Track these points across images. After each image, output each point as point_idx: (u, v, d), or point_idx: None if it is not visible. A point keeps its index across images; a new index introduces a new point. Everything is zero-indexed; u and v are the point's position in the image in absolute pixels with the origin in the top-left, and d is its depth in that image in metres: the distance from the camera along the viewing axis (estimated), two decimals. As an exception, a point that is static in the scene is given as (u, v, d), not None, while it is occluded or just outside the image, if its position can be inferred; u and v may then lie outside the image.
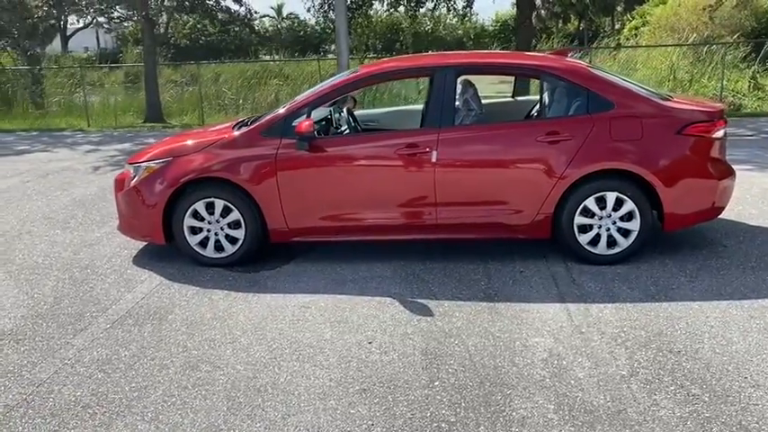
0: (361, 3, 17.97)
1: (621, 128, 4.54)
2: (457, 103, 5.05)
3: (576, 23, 36.82)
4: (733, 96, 14.34)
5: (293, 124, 4.69)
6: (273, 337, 3.73)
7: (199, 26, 30.98)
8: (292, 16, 43.40)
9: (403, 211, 4.77)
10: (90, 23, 34.44)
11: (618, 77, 5.07)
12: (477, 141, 4.74)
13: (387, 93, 16.32)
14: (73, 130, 15.06)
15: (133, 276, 4.79)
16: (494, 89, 12.43)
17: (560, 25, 35.19)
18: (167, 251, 5.12)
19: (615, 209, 4.59)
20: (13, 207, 7.04)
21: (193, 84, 17.74)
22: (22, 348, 3.68)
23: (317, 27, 36.97)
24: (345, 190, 4.76)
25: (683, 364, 3.30)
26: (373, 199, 4.78)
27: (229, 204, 4.78)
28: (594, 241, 4.66)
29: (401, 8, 18.98)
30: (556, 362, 3.36)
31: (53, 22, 24.75)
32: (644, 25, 23.37)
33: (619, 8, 33.72)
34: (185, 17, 25.12)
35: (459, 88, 5.13)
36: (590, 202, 4.59)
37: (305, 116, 4.73)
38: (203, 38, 34.01)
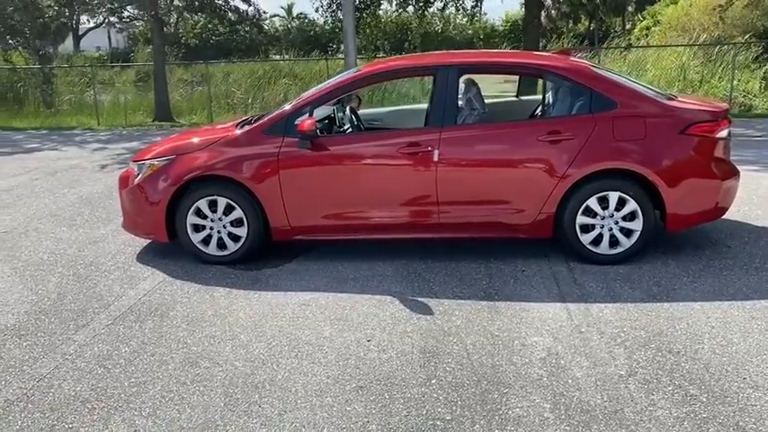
0: (369, 2, 18.00)
1: (624, 127, 4.53)
2: (460, 102, 5.05)
3: (587, 24, 36.70)
4: (743, 97, 14.23)
5: (295, 123, 4.70)
6: (273, 335, 3.75)
7: (210, 26, 31.11)
8: (302, 16, 43.53)
9: (405, 210, 4.77)
10: (102, 23, 34.71)
11: (622, 77, 5.05)
12: (479, 140, 4.74)
13: (395, 92, 16.34)
14: (82, 129, 15.17)
15: (136, 273, 4.83)
16: (498, 89, 12.39)
17: (570, 25, 35.10)
18: (171, 249, 5.16)
19: (618, 208, 4.57)
20: (21, 204, 7.10)
21: (204, 83, 17.82)
22: (25, 343, 3.72)
23: (326, 27, 37.02)
24: (347, 188, 4.77)
25: (683, 364, 3.28)
26: (375, 198, 4.79)
27: (232, 202, 4.81)
28: (597, 241, 4.64)
29: (410, 8, 18.98)
30: (554, 361, 3.36)
31: (65, 21, 24.95)
32: (655, 25, 23.25)
33: (630, 8, 33.60)
34: (195, 17, 25.27)
35: (462, 87, 5.13)
36: (592, 202, 4.58)
37: (307, 115, 4.74)
38: (214, 38, 34.13)
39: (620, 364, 3.30)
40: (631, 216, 4.57)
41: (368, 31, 22.30)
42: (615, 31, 30.41)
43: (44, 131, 14.79)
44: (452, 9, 20.01)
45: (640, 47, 19.24)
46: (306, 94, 5.04)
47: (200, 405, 3.05)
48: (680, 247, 4.97)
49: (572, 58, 5.26)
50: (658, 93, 4.94)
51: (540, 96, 5.51)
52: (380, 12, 20.49)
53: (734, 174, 4.75)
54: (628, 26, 32.79)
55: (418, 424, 2.86)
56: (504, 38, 36.50)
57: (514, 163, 4.66)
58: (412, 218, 4.78)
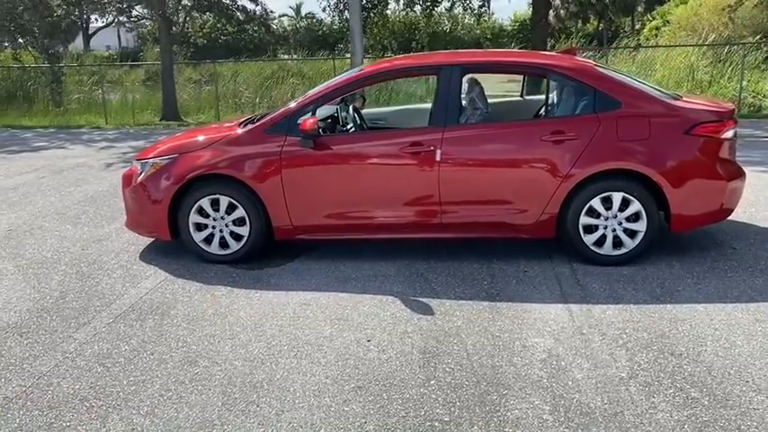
0: (376, 2, 17.97)
1: (628, 127, 4.49)
2: (463, 101, 5.03)
3: (596, 24, 36.55)
4: (753, 97, 14.12)
5: (298, 122, 4.70)
6: (273, 334, 3.74)
7: (218, 25, 31.20)
8: (310, 15, 43.60)
9: (407, 209, 4.75)
10: (111, 22, 34.84)
11: (627, 77, 5.01)
12: (482, 140, 4.71)
13: (402, 92, 16.32)
14: (90, 128, 15.25)
15: (139, 272, 4.83)
16: (502, 88, 12.35)
17: (579, 25, 34.96)
18: (174, 247, 5.16)
19: (621, 209, 4.54)
20: (27, 202, 7.14)
21: (211, 82, 17.87)
22: (26, 341, 3.73)
23: (334, 26, 37.06)
24: (350, 188, 4.76)
25: (684, 366, 3.25)
26: (378, 197, 4.77)
27: (234, 201, 4.80)
28: (600, 242, 4.60)
29: (417, 8, 18.95)
30: (554, 362, 3.33)
31: (74, 20, 25.06)
32: (664, 25, 23.13)
33: (639, 8, 33.43)
34: (204, 16, 25.34)
35: (465, 87, 5.11)
36: (596, 203, 4.54)
37: (310, 114, 4.73)
38: (222, 37, 34.25)
39: (622, 366, 3.27)
40: (635, 217, 4.54)
41: (375, 30, 22.28)
42: (624, 32, 30.29)
43: (52, 130, 14.87)
44: (460, 9, 19.93)
45: (649, 47, 19.13)
46: (308, 94, 5.03)
47: (199, 404, 3.04)
48: (684, 248, 4.93)
49: (576, 58, 5.22)
50: (663, 93, 4.90)
51: (543, 96, 5.47)
52: (388, 11, 20.45)
53: (739, 175, 4.70)
54: (637, 26, 32.63)
55: (416, 425, 2.84)
56: (512, 38, 36.44)
57: (517, 163, 4.63)
58: (414, 218, 4.76)
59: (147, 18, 22.00)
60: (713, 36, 16.73)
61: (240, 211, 4.82)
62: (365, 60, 12.52)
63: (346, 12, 17.59)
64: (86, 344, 3.67)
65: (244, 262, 4.89)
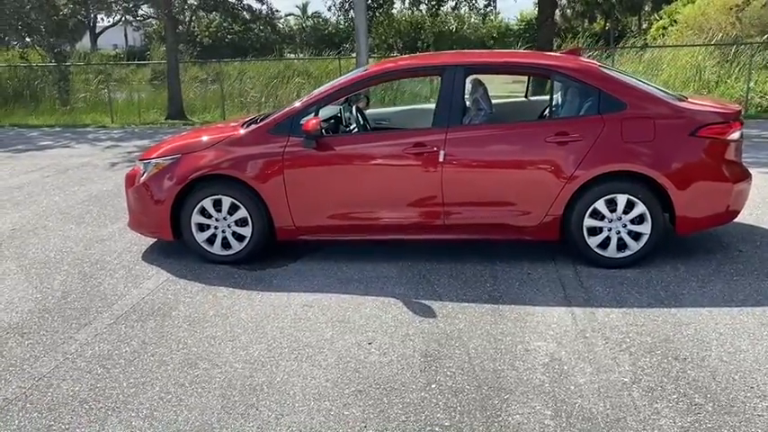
0: (382, 1, 17.94)
1: (633, 129, 4.45)
2: (466, 102, 5.00)
3: (603, 23, 36.42)
4: (760, 98, 14.02)
5: (300, 123, 4.68)
6: (274, 336, 3.72)
7: (224, 25, 31.23)
8: (317, 15, 43.59)
9: (410, 210, 4.73)
10: (118, 21, 34.90)
11: (632, 78, 4.97)
12: (485, 141, 4.68)
13: (407, 92, 16.28)
14: (96, 127, 15.28)
15: (141, 272, 4.83)
16: (507, 89, 12.30)
17: (586, 25, 34.84)
18: (176, 248, 5.15)
19: (626, 211, 4.50)
20: (31, 202, 7.15)
21: (217, 81, 17.88)
22: (26, 342, 3.72)
23: (339, 26, 37.04)
24: (352, 189, 4.74)
25: (689, 371, 3.21)
26: (381, 198, 4.75)
27: (236, 202, 4.79)
28: (604, 244, 4.57)
29: (422, 7, 18.91)
30: (557, 367, 3.30)
31: (81, 19, 25.14)
32: (672, 25, 23.01)
33: (646, 7, 33.29)
34: (210, 16, 25.35)
35: (469, 88, 5.08)
36: (600, 205, 4.51)
37: (312, 114, 4.71)
38: (228, 36, 34.27)
39: (625, 371, 3.24)
40: (640, 219, 4.50)
41: (381, 30, 22.26)
42: (631, 31, 30.14)
43: (58, 129, 14.91)
44: (465, 8, 19.86)
45: (655, 47, 19.03)
46: (312, 94, 5.02)
47: (198, 407, 3.03)
48: (689, 251, 4.89)
49: (580, 59, 5.19)
50: (668, 94, 4.86)
51: (548, 97, 5.44)
52: (394, 11, 20.42)
53: (745, 176, 4.66)
54: (644, 25, 32.49)
55: (416, 429, 2.82)
56: (518, 37, 36.30)
57: (521, 164, 4.60)
58: (417, 219, 4.74)
59: (153, 17, 22.03)
60: (720, 36, 16.63)
61: (242, 212, 4.80)
62: (370, 60, 12.51)
63: (351, 11, 17.60)
64: (87, 345, 3.67)
65: (246, 263, 4.87)
